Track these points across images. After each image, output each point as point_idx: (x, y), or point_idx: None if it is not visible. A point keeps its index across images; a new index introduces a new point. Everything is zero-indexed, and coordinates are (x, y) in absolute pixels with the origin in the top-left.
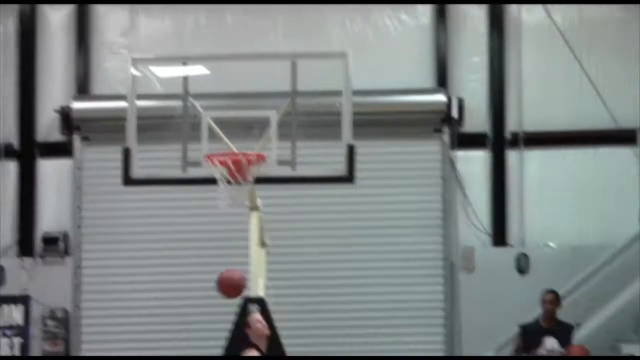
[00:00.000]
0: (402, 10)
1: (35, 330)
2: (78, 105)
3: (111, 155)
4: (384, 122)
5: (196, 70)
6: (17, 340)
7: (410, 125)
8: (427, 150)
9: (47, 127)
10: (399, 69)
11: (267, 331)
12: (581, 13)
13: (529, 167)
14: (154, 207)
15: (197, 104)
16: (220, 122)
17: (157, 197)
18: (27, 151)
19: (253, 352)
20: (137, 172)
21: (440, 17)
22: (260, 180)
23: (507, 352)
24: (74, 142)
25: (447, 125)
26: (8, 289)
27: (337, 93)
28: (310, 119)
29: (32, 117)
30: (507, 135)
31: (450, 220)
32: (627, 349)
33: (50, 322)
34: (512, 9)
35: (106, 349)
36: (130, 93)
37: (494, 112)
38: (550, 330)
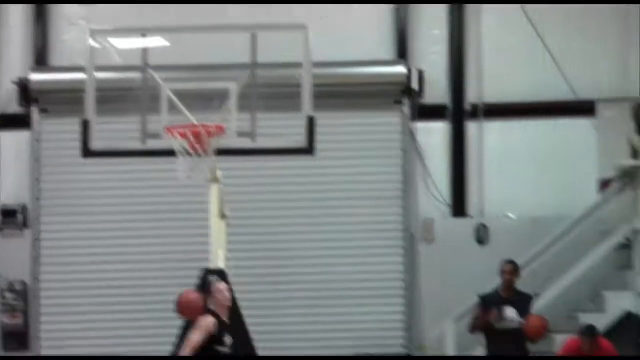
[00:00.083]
0: None
1: None
2: (36, 77)
3: (70, 127)
4: (345, 94)
5: (155, 42)
6: None
7: (370, 97)
8: (388, 122)
9: (5, 99)
10: (360, 41)
11: (229, 302)
12: None
13: (489, 138)
14: (113, 180)
15: (157, 75)
16: (180, 94)
17: (117, 170)
18: None
19: (209, 319)
20: (96, 144)
21: None
22: (221, 152)
23: (466, 322)
24: (33, 114)
25: (407, 97)
26: None
27: (298, 65)
28: (271, 91)
29: None
30: (467, 106)
31: (410, 191)
32: (585, 319)
33: (9, 295)
34: None
35: (65, 321)
36: (88, 65)
37: (454, 84)
38: (509, 301)
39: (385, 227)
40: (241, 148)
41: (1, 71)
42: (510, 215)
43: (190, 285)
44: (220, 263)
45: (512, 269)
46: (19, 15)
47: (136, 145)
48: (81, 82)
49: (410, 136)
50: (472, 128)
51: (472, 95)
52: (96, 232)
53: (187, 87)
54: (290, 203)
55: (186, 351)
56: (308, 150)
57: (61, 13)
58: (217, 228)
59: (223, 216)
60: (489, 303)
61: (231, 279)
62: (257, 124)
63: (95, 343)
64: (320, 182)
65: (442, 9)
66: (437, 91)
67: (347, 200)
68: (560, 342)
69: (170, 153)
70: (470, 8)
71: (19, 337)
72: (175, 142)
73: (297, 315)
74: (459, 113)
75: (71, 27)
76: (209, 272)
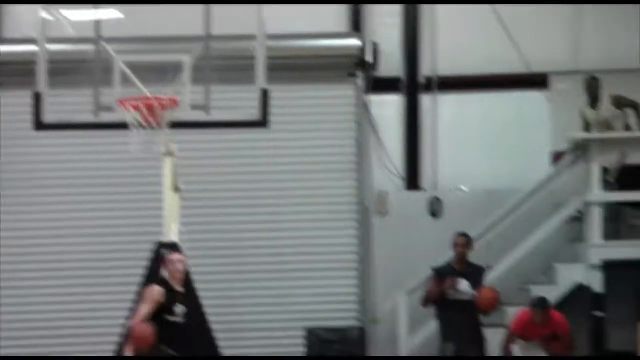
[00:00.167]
0: None
1: None
2: None
3: (22, 99)
4: (298, 66)
5: (108, 13)
6: None
7: (324, 70)
8: (341, 95)
9: None
10: (314, 14)
11: (181, 274)
12: None
13: (442, 111)
14: (66, 152)
15: (109, 47)
16: (133, 66)
17: (70, 142)
18: None
19: (156, 289)
20: (48, 116)
21: None
22: (174, 125)
23: (419, 294)
24: None
25: (361, 70)
26: None
27: (251, 37)
28: (224, 63)
29: None
30: (421, 79)
31: (364, 164)
32: (536, 291)
33: None
34: None
35: (19, 294)
36: (40, 37)
37: (408, 56)
38: (462, 273)
39: (338, 199)
40: (194, 121)
41: None
42: (463, 187)
43: (144, 258)
44: (173, 236)
45: (464, 242)
46: None
47: (89, 118)
48: (33, 54)
49: (364, 109)
50: (425, 101)
51: (426, 68)
52: (50, 204)
53: (140, 59)
54: (244, 176)
55: (135, 322)
56: (261, 122)
57: None
58: (170, 201)
59: (176, 189)
60: (442, 275)
61: (184, 251)
62: (211, 96)
63: (50, 315)
64: (273, 155)
65: None
66: (391, 64)
67: (301, 172)
68: (512, 314)
69: (123, 126)
70: None
71: None
72: (128, 115)
73: (250, 287)
74: (412, 86)
75: None
76: (162, 245)
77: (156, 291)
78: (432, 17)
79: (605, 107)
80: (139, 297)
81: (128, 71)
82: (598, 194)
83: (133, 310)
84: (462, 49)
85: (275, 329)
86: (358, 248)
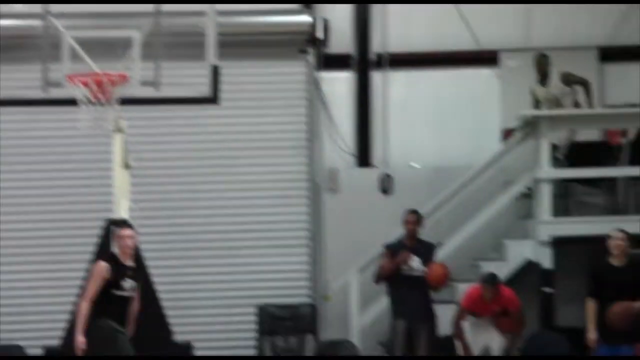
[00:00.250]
0: None
1: None
2: None
3: None
4: (249, 42)
5: None
6: None
7: (275, 46)
8: (292, 72)
9: None
10: None
11: (131, 250)
12: None
13: (393, 88)
14: (14, 129)
15: (58, 23)
16: (82, 42)
17: (19, 119)
18: None
19: (101, 265)
20: None
21: None
22: (124, 102)
23: (371, 272)
24: None
25: (312, 46)
26: None
27: (202, 13)
28: (174, 40)
29: None
30: (372, 56)
31: (315, 141)
32: (486, 267)
33: None
34: None
35: None
36: None
37: (358, 33)
38: (412, 250)
39: (289, 176)
40: (144, 97)
41: None
42: (414, 164)
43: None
44: (123, 213)
45: (415, 219)
46: None
47: (38, 94)
48: None
49: (315, 86)
50: (376, 78)
51: (377, 45)
52: None
53: (90, 35)
54: (195, 153)
55: (84, 301)
56: (212, 99)
57: None
58: (120, 178)
59: (127, 166)
60: (394, 252)
61: (135, 228)
62: (161, 72)
63: (3, 293)
64: (224, 132)
65: None
66: (342, 40)
67: (252, 150)
68: (463, 290)
69: (72, 102)
70: None
71: None
72: (78, 91)
73: (201, 265)
74: (363, 63)
75: None
76: (112, 222)
77: (102, 267)
78: None
79: (555, 84)
80: (89, 275)
81: (77, 47)
82: (547, 170)
83: (83, 288)
84: (413, 26)
85: (227, 306)
86: (309, 225)
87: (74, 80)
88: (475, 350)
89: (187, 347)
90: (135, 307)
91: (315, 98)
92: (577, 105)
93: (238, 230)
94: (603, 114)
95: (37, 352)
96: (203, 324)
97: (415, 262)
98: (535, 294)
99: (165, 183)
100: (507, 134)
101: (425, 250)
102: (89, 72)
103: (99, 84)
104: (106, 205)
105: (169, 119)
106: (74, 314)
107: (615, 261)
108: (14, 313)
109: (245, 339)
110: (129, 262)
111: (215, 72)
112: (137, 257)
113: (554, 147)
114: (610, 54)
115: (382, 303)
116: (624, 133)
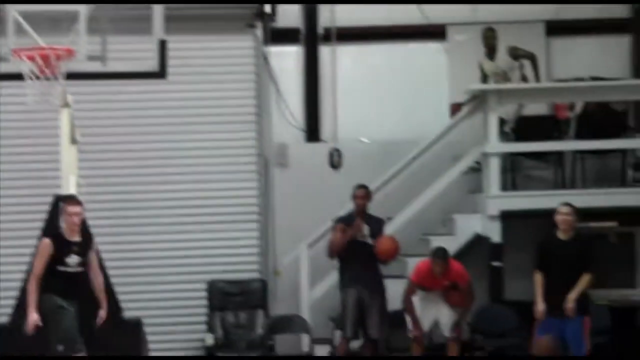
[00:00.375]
0: None
1: None
2: None
3: None
4: (197, 17)
5: None
6: None
7: (223, 20)
8: (240, 46)
9: None
10: None
11: (77, 226)
12: None
13: (342, 62)
14: None
15: None
16: (27, 16)
17: None
18: None
19: (45, 242)
20: None
21: None
22: (70, 76)
23: (321, 246)
24: None
25: (260, 21)
26: None
27: None
28: (121, 14)
29: None
30: (320, 30)
31: (264, 116)
32: (436, 241)
33: None
34: None
35: None
36: None
37: (307, 7)
38: None
39: (238, 151)
40: (91, 72)
41: None
42: (363, 139)
43: (42, 211)
44: (71, 189)
45: (364, 193)
46: None
47: None
48: None
49: (263, 60)
50: (325, 52)
51: (325, 19)
52: None
53: (35, 8)
54: (143, 128)
55: (32, 280)
56: (160, 74)
57: None
58: (67, 153)
59: (74, 141)
60: (347, 224)
61: (83, 204)
62: (108, 47)
63: None
64: (172, 107)
65: None
66: (290, 15)
67: (200, 124)
68: (412, 264)
69: (18, 76)
70: None
71: None
72: (24, 65)
73: (151, 240)
74: (311, 37)
75: None
76: (60, 198)
77: (45, 244)
78: None
79: (502, 58)
80: (35, 251)
81: (22, 21)
82: (496, 145)
83: (31, 264)
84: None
85: (177, 282)
86: (259, 200)
87: (19, 54)
88: (425, 325)
89: (136, 323)
90: (99, 280)
91: (264, 72)
92: (524, 79)
93: (187, 205)
94: (550, 87)
95: None
96: (152, 300)
97: (366, 231)
98: (484, 267)
99: (113, 159)
100: (455, 108)
101: (374, 225)
102: (35, 46)
103: (45, 58)
104: (54, 181)
105: (116, 94)
106: (22, 291)
107: (562, 235)
108: None
109: (196, 315)
110: (76, 238)
111: (163, 46)
112: (84, 231)
113: (502, 121)
114: (557, 28)
115: (333, 278)
116: (571, 107)
